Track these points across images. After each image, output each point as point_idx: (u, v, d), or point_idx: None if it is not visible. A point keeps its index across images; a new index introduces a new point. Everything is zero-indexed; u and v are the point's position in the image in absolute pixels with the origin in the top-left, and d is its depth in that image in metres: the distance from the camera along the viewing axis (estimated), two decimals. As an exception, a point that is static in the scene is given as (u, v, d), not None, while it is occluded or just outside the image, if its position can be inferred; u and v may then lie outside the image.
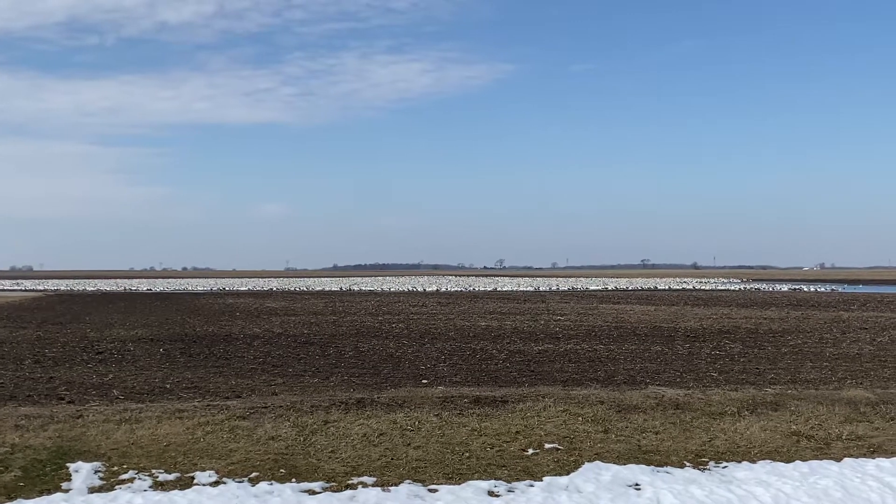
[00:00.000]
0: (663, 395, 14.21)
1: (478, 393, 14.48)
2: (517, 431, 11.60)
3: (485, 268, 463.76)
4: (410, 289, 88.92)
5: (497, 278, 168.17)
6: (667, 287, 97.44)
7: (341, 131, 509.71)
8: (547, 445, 11.04)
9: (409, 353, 23.60)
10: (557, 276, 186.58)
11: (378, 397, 14.01)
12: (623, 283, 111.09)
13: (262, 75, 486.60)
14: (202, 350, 24.22)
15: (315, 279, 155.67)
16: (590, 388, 15.71)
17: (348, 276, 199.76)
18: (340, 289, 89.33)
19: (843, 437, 11.75)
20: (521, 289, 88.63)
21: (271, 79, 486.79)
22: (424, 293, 76.16)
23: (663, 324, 34.18)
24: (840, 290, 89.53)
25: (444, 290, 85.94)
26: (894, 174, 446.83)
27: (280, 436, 11.16)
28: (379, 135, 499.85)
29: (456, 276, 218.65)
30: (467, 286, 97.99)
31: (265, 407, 12.89)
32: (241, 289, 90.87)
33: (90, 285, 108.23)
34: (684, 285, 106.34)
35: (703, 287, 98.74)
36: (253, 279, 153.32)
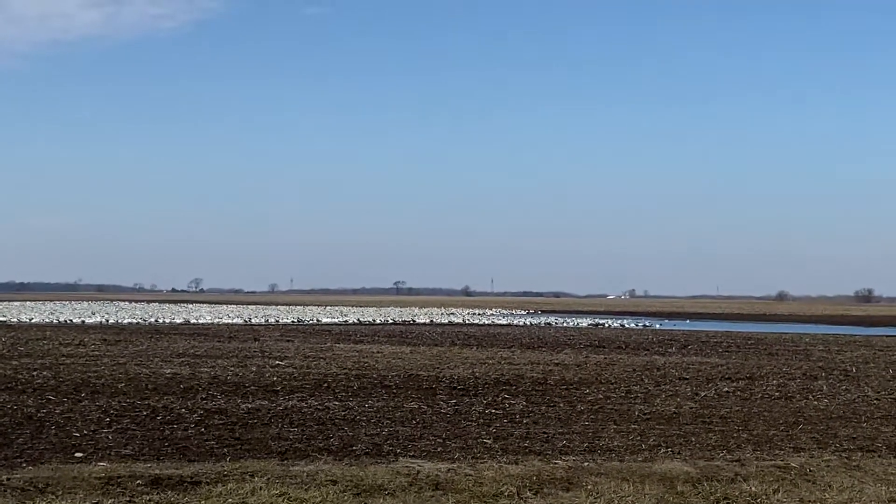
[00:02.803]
0: (419, 471, 14.47)
1: (158, 471, 14.20)
2: (213, 526, 11.49)
3: (174, 290, 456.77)
4: (62, 319, 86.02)
5: (191, 305, 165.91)
6: (428, 320, 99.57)
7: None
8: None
9: (58, 413, 22.78)
10: (277, 304, 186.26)
11: (9, 479, 13.44)
12: (369, 315, 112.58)
13: None
14: None
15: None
16: (318, 463, 15.76)
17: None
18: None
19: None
20: (226, 321, 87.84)
21: None
22: (83, 326, 73.82)
23: (422, 371, 34.85)
24: (654, 325, 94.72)
25: (112, 321, 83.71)
26: (725, 185, 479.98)
27: None
28: (15, 94, 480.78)
29: (131, 301, 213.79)
30: (147, 316, 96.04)
31: None
32: None
33: None
34: (452, 318, 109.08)
35: (476, 321, 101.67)
36: None
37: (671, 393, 29.22)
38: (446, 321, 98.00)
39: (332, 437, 19.73)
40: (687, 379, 33.70)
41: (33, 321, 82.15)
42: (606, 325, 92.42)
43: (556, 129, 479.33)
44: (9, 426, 20.72)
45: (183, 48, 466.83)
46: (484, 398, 27.12)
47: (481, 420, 22.76)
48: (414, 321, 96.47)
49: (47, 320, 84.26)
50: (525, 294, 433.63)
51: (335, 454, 17.51)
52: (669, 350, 50.85)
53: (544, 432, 20.96)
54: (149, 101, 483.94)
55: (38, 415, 22.47)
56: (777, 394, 29.64)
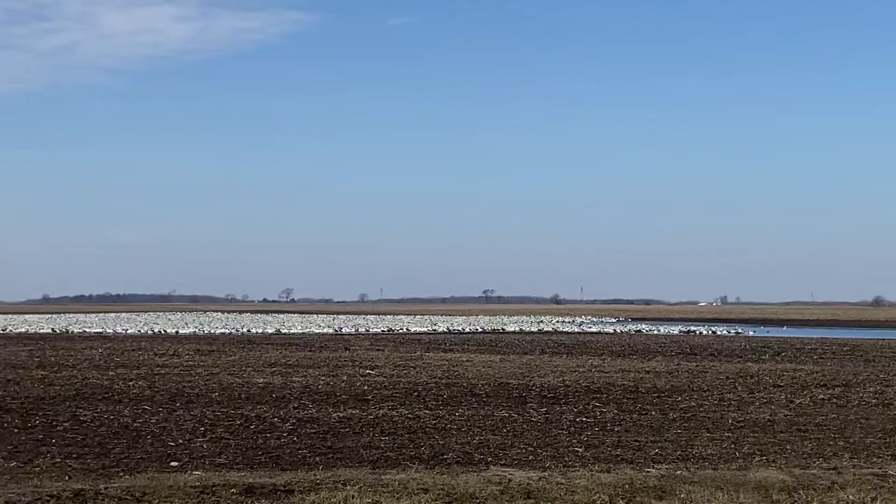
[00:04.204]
0: (510, 480, 14.45)
1: (251, 480, 14.34)
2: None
3: (265, 300, 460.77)
4: (156, 330, 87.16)
5: (282, 315, 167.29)
6: (517, 328, 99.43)
7: (54, 102, 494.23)
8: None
9: (153, 423, 23.10)
10: (367, 314, 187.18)
11: (106, 489, 13.65)
12: (458, 324, 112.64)
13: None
14: None
15: (14, 316, 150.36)
16: (410, 471, 15.81)
17: (64, 312, 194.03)
18: (53, 330, 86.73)
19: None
20: (316, 330, 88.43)
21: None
22: (177, 337, 74.72)
23: (512, 380, 34.81)
24: (747, 332, 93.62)
25: (205, 331, 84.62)
26: (820, 188, 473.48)
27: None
28: (109, 108, 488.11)
29: (224, 312, 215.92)
30: (239, 326, 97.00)
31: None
32: None
33: None
34: (541, 326, 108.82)
35: (566, 329, 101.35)
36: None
37: (765, 400, 28.89)
38: (535, 329, 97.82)
39: (422, 446, 19.77)
40: (781, 386, 33.29)
41: (129, 332, 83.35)
42: (698, 333, 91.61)
43: (650, 135, 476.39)
44: (106, 436, 21.05)
45: (270, 61, 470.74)
46: (574, 406, 27.03)
47: (572, 428, 22.69)
48: (503, 329, 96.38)
49: (142, 331, 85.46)
50: (615, 302, 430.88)
51: (426, 463, 17.55)
52: (763, 357, 50.29)
53: (636, 440, 20.83)
54: (237, 113, 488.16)
55: (135, 424, 22.80)
56: (874, 401, 29.16)
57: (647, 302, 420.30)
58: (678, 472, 16.03)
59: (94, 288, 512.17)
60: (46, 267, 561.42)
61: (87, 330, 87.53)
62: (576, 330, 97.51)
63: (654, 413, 25.66)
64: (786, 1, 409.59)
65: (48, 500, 12.51)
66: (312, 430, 21.95)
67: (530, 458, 18.39)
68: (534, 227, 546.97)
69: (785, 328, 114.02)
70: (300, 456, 18.51)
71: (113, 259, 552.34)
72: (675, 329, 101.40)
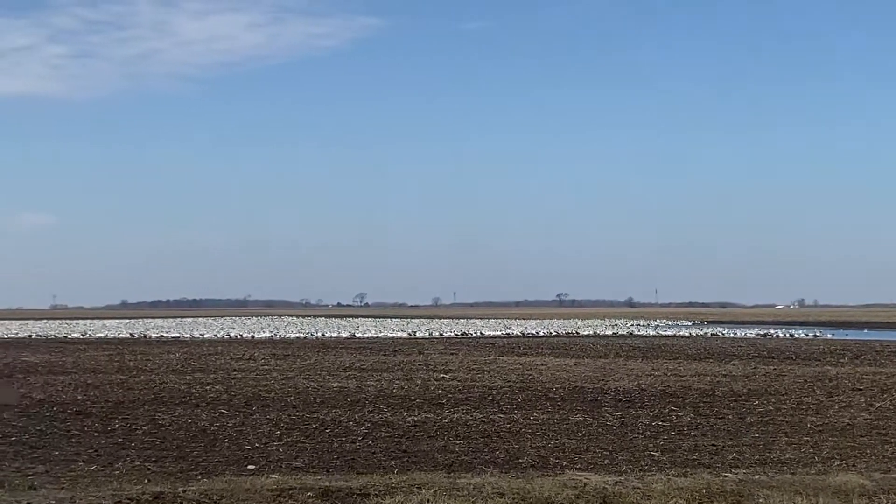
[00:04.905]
0: (586, 484, 14.39)
1: (327, 483, 14.40)
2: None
3: (339, 305, 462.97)
4: (233, 335, 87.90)
5: (357, 320, 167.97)
6: (592, 332, 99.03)
7: (131, 109, 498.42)
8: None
9: (230, 426, 23.31)
10: (441, 317, 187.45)
11: (184, 491, 13.77)
12: (532, 327, 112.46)
13: (18, 28, 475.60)
14: (-76, 425, 23.43)
15: (94, 321, 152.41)
16: (484, 475, 15.80)
17: (142, 317, 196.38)
18: (131, 335, 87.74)
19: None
20: (390, 335, 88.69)
21: (32, 33, 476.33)
22: (253, 341, 75.35)
23: (587, 384, 34.70)
24: (825, 335, 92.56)
25: (280, 336, 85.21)
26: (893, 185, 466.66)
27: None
28: (185, 115, 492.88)
29: (299, 316, 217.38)
30: (314, 331, 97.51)
31: (17, 507, 12.55)
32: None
33: None
34: (615, 329, 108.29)
35: (640, 332, 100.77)
36: (2, 322, 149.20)
37: (844, 404, 28.54)
38: (610, 333, 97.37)
39: (497, 450, 19.77)
40: (861, 389, 32.87)
41: (206, 337, 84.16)
42: (775, 336, 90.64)
43: (725, 138, 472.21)
44: (184, 439, 21.27)
45: (343, 66, 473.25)
46: (650, 410, 26.88)
47: (648, 432, 22.57)
48: (577, 333, 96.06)
49: (219, 336, 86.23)
50: (690, 305, 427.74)
51: (501, 466, 17.54)
52: (842, 360, 49.67)
53: (713, 444, 20.68)
54: (311, 118, 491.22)
55: (212, 428, 23.02)
56: (956, 404, 28.70)
57: (723, 305, 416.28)
58: (756, 476, 15.90)
59: (171, 293, 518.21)
60: (125, 272, 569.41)
61: (165, 334, 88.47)
62: (651, 333, 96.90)
63: (731, 417, 25.46)
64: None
65: (128, 503, 12.67)
66: (387, 434, 22.03)
67: (606, 462, 18.32)
68: (607, 231, 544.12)
69: (865, 331, 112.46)
70: (375, 459, 18.58)
71: (189, 264, 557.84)
72: (751, 332, 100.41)
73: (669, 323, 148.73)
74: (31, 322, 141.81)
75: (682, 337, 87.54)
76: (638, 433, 22.41)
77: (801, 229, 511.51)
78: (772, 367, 43.57)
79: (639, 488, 14.18)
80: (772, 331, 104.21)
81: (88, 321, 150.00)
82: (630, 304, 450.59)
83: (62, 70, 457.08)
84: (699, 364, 46.03)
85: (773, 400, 29.51)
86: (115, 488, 14.68)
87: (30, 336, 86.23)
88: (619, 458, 18.83)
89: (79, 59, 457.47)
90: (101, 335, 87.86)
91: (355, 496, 13.46)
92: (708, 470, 16.91)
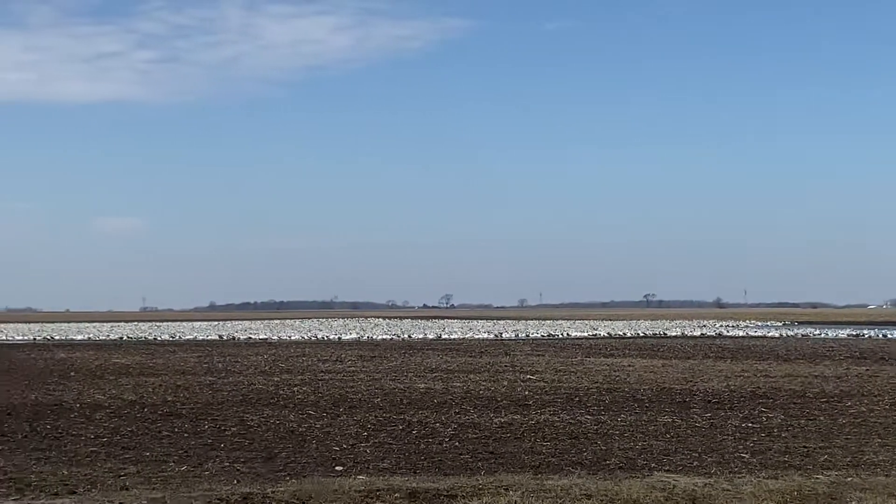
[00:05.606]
0: (675, 486, 14.32)
1: (415, 484, 14.46)
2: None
3: (425, 306, 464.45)
4: (319, 337, 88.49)
5: (443, 321, 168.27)
6: (680, 333, 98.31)
7: (218, 113, 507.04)
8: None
9: (318, 427, 23.49)
10: (527, 319, 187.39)
11: (273, 492, 13.90)
12: (619, 328, 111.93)
13: (106, 34, 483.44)
14: (20, 426, 23.87)
15: (183, 323, 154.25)
16: (572, 477, 15.78)
17: (230, 319, 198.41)
18: (220, 337, 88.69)
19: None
20: (477, 336, 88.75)
21: (120, 39, 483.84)
22: (339, 343, 75.78)
23: (675, 385, 34.48)
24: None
25: (367, 337, 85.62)
26: None
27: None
28: (272, 119, 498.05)
29: (385, 318, 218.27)
30: (400, 333, 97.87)
31: (110, 507, 12.75)
32: (77, 337, 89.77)
33: None
34: (704, 330, 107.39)
35: (729, 333, 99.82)
36: (94, 324, 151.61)
37: (939, 405, 28.07)
38: (698, 334, 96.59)
39: (584, 451, 19.71)
40: (956, 391, 32.31)
41: (292, 339, 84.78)
42: (868, 336, 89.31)
43: (822, 140, 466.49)
44: (272, 441, 21.46)
45: (430, 68, 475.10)
46: (740, 412, 26.64)
47: (737, 434, 22.37)
48: (665, 334, 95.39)
49: (306, 338, 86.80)
50: (780, 305, 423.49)
51: (588, 468, 17.49)
52: (936, 361, 48.83)
53: (804, 446, 20.45)
54: (400, 121, 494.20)
55: (300, 429, 23.19)
56: None
57: (814, 305, 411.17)
58: (848, 479, 15.70)
59: (258, 295, 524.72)
60: (213, 275, 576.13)
61: (253, 336, 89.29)
62: (739, 334, 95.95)
63: (822, 419, 25.15)
64: None
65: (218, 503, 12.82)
66: (474, 436, 22.05)
67: (695, 464, 18.19)
68: (695, 231, 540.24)
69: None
70: (462, 461, 18.61)
71: (276, 267, 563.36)
72: (843, 333, 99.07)
73: (759, 324, 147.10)
74: (121, 324, 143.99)
75: (771, 338, 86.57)
76: (727, 435, 22.23)
77: (892, 226, 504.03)
78: (864, 368, 42.97)
79: (728, 490, 14.08)
80: (864, 331, 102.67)
81: (177, 323, 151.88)
82: (718, 304, 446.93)
83: (150, 75, 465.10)
84: (789, 365, 45.51)
85: (865, 401, 29.11)
86: (206, 489, 14.87)
87: (121, 338, 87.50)
88: (708, 459, 18.69)
89: (166, 64, 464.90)
90: (190, 337, 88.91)
91: (443, 497, 13.50)
92: (799, 472, 16.73)
